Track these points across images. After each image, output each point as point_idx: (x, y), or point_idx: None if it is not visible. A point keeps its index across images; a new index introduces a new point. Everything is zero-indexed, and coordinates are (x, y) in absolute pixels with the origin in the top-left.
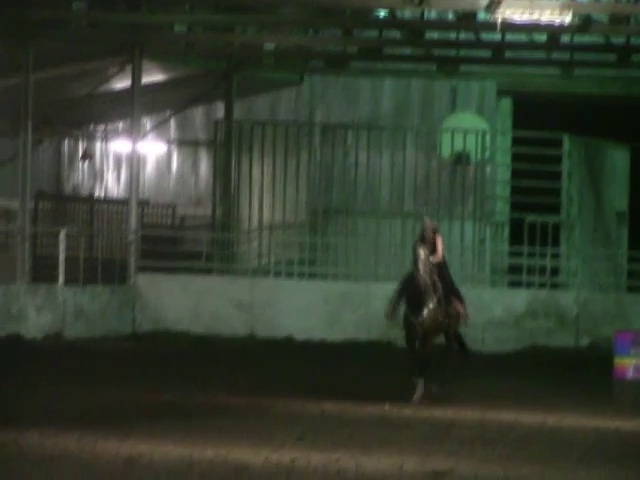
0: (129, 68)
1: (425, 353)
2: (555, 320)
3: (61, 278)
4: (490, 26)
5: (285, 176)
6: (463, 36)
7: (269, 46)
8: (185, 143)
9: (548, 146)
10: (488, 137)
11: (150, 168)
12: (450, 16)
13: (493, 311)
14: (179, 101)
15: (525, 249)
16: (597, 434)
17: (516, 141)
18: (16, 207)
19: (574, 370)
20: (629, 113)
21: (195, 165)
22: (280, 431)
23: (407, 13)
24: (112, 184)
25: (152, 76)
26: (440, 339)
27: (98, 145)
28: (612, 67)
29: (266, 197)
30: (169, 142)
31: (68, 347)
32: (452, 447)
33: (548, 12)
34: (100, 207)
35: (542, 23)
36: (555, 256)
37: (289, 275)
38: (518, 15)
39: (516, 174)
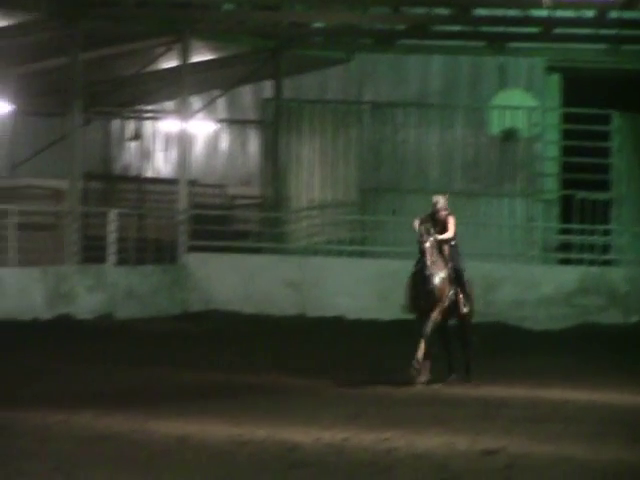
0: (177, 47)
1: (430, 319)
2: (605, 297)
3: (111, 258)
4: (538, 2)
5: (334, 155)
6: (511, 12)
7: (317, 24)
8: (234, 122)
9: (597, 122)
10: (537, 114)
11: (199, 148)
12: None
13: (544, 289)
14: (227, 80)
15: (575, 226)
16: None
17: (565, 118)
18: (65, 188)
19: (624, 347)
20: None
21: (244, 144)
22: (330, 410)
23: None
24: (161, 164)
25: (200, 55)
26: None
27: (147, 125)
28: None
29: (315, 176)
30: (218, 121)
31: (118, 327)
32: (503, 425)
33: None
34: (149, 187)
35: None
36: (605, 233)
37: (339, 254)
38: None
39: (566, 151)
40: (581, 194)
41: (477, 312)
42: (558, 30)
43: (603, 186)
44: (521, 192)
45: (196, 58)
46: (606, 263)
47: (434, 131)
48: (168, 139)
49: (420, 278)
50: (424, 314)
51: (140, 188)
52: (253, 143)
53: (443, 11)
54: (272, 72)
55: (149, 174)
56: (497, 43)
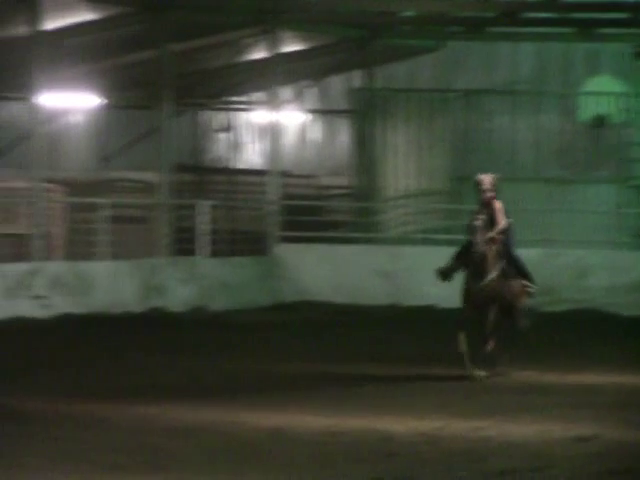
0: (267, 38)
1: (489, 321)
2: None
3: (203, 250)
4: None
5: (425, 143)
6: None
7: (407, 12)
8: (324, 112)
9: None
10: (626, 99)
11: (289, 138)
12: None
13: (633, 275)
14: (317, 70)
15: None
16: None
17: None
18: (156, 180)
19: None
20: None
21: (334, 134)
22: (423, 400)
23: None
24: (251, 155)
25: (289, 45)
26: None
27: (237, 116)
28: None
29: (407, 165)
30: (308, 112)
31: (211, 319)
32: (596, 412)
33: None
34: (240, 178)
35: None
36: None
37: (431, 243)
38: None
39: None
40: None
41: (569, 299)
42: None
43: None
44: (611, 178)
45: (285, 48)
46: None
47: (524, 118)
48: (258, 130)
49: (474, 281)
50: (472, 303)
51: (231, 179)
52: (343, 133)
53: None
54: (362, 61)
55: (240, 165)
56: (586, 29)
